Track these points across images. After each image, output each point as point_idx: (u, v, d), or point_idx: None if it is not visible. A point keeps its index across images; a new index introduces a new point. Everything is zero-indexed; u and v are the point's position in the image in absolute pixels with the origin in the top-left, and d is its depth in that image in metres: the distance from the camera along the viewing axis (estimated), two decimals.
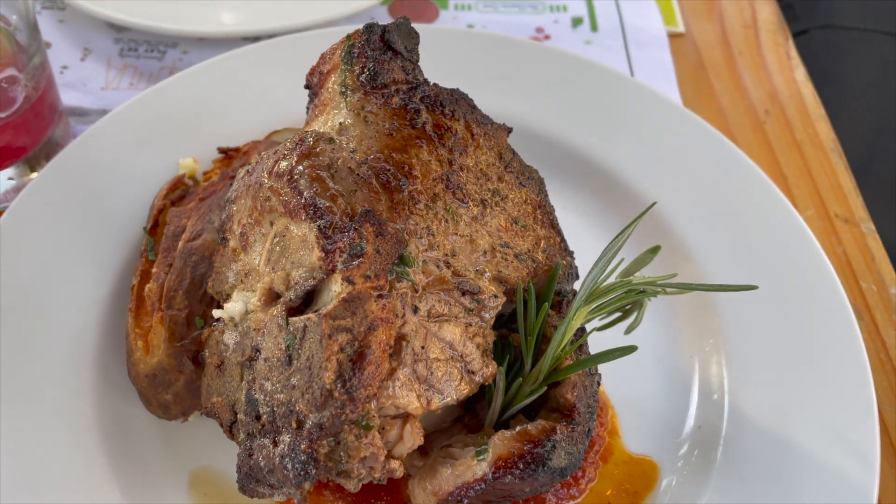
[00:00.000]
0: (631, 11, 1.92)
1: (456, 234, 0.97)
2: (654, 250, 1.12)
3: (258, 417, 0.91)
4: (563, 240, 1.09)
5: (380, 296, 0.87)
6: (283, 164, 0.93)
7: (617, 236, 0.99)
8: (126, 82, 1.66)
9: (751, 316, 1.25)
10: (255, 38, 1.71)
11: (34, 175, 1.43)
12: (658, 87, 1.76)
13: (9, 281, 1.18)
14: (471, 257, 0.97)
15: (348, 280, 0.86)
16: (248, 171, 1.04)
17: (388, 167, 0.95)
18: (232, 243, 1.03)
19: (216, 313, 1.00)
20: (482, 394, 1.02)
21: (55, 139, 1.47)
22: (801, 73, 1.86)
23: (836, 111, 1.84)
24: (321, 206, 0.89)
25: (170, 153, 1.39)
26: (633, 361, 1.11)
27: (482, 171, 1.03)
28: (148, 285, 1.13)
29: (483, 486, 0.90)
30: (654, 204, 1.05)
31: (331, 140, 0.95)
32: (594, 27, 1.88)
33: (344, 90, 1.00)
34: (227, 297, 1.04)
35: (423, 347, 0.90)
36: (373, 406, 0.86)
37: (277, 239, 0.94)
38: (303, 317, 0.87)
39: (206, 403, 1.02)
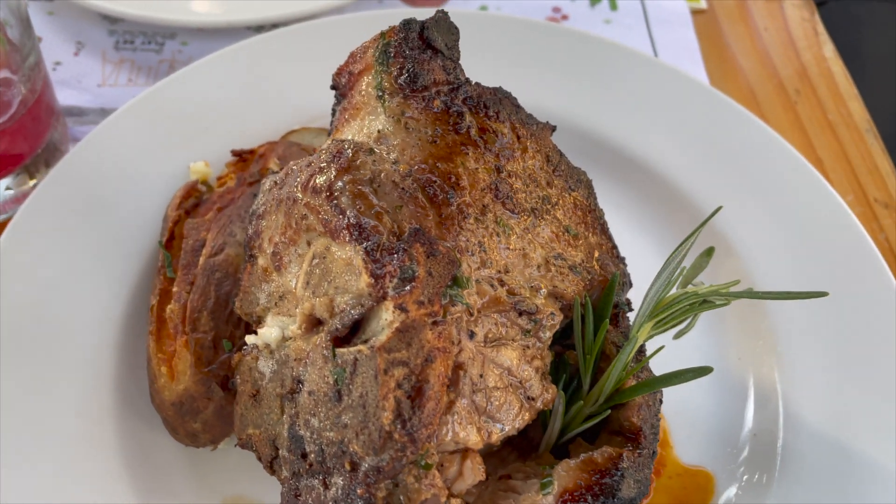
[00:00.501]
0: None
1: (508, 247, 0.90)
2: (709, 252, 1.05)
3: (304, 456, 0.84)
4: (614, 246, 1.02)
5: (434, 322, 0.79)
6: (321, 179, 0.85)
7: (680, 245, 0.92)
8: (124, 78, 1.57)
9: (803, 318, 1.19)
10: (259, 28, 1.62)
11: (33, 183, 1.34)
12: (683, 67, 1.68)
13: (16, 302, 1.10)
14: (525, 273, 0.90)
15: (401, 308, 0.78)
16: (275, 182, 0.96)
17: (433, 178, 0.87)
18: (262, 262, 0.96)
19: (250, 339, 0.93)
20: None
21: (53, 143, 1.37)
22: (829, 50, 1.79)
23: (865, 87, 1.77)
24: (366, 225, 0.81)
25: (179, 156, 1.30)
26: (679, 366, 1.07)
27: (531, 176, 0.96)
28: (169, 306, 1.05)
29: None
30: (719, 209, 0.97)
31: (371, 151, 0.87)
32: (613, 6, 1.79)
33: (381, 94, 0.91)
34: (259, 320, 0.97)
35: (481, 376, 0.83)
36: (432, 443, 0.79)
37: (317, 261, 0.87)
38: (352, 348, 0.80)
39: (240, 434, 0.95)
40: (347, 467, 0.79)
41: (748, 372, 1.19)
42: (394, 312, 0.79)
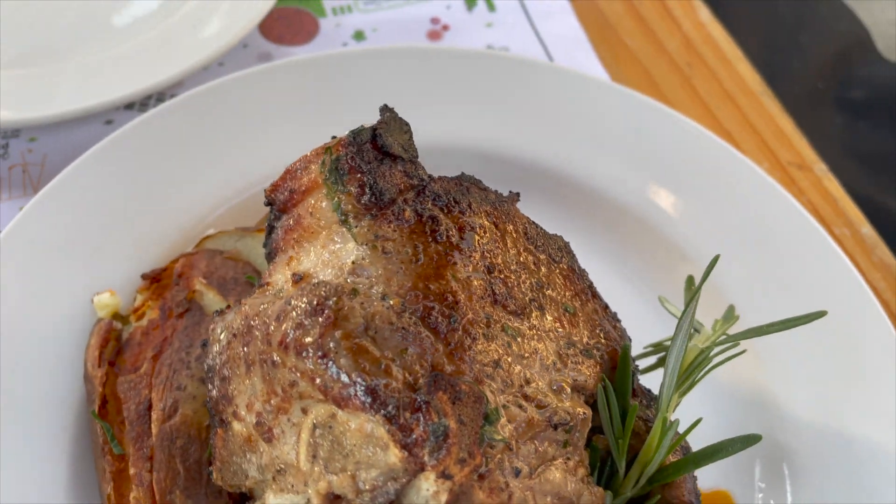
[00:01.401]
0: None
1: (522, 356, 0.81)
2: (691, 283, 1.02)
3: None
4: (606, 306, 0.96)
5: (480, 476, 0.70)
6: (307, 338, 0.73)
7: (687, 307, 0.87)
8: None
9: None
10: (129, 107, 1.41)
11: None
12: (578, 61, 1.63)
13: None
14: (545, 378, 0.82)
15: (444, 476, 0.68)
16: (233, 335, 0.82)
17: (430, 304, 0.76)
18: (239, 428, 0.82)
19: None
20: None
21: None
22: (705, 14, 1.79)
23: (747, 48, 1.79)
24: (378, 387, 0.70)
25: (75, 285, 1.10)
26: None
27: (519, 263, 0.87)
28: (132, 494, 0.89)
29: None
30: (717, 258, 0.91)
31: (354, 292, 0.75)
32: (491, 7, 1.70)
33: (343, 218, 0.79)
34: (251, 493, 0.84)
35: None
36: None
37: (321, 431, 0.75)
38: None
39: None
40: None
41: (745, 385, 1.18)
42: (436, 482, 0.69)
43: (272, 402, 0.77)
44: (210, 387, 0.85)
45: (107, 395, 0.98)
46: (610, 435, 0.86)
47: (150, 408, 0.94)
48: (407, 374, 0.72)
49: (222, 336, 0.84)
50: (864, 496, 1.06)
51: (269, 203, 0.88)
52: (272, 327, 0.77)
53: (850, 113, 1.81)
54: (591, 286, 0.95)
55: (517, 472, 0.75)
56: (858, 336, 1.15)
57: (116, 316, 1.09)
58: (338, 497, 0.75)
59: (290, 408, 0.76)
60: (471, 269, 0.81)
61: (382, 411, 0.70)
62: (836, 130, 1.77)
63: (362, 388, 0.70)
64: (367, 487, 0.72)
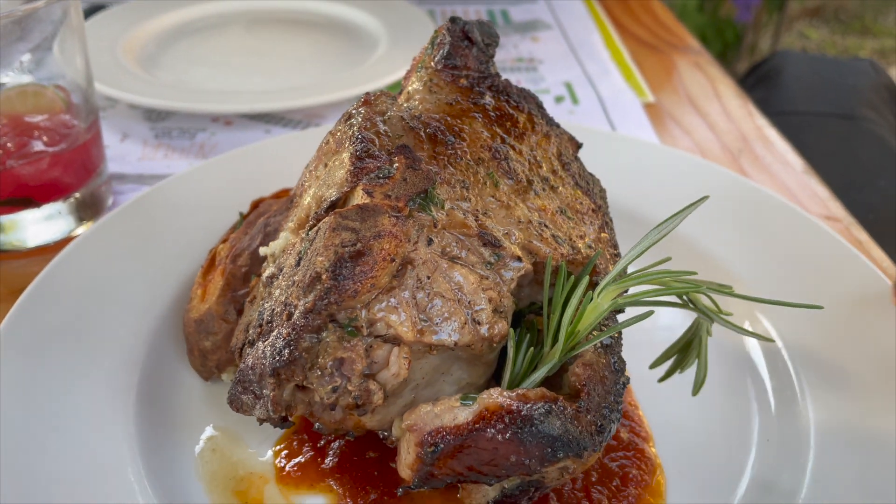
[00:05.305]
0: (605, 86, 2.11)
1: (493, 197, 0.97)
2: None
3: (261, 325, 0.92)
4: (616, 248, 1.04)
5: (395, 216, 0.88)
6: (350, 110, 1.02)
7: (671, 217, 0.93)
8: (161, 155, 1.80)
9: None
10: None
11: (82, 229, 1.51)
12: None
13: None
14: (503, 220, 0.96)
15: (367, 192, 0.89)
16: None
17: (439, 125, 1.00)
18: (295, 199, 1.11)
19: (262, 250, 1.06)
20: None
21: (99, 189, 1.55)
22: (762, 120, 1.95)
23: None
24: (364, 136, 0.95)
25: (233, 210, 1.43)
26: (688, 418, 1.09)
27: (535, 158, 1.05)
28: (221, 245, 1.22)
29: (462, 437, 0.83)
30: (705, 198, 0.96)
31: (393, 98, 1.03)
32: (575, 101, 2.04)
33: (420, 69, 1.09)
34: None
35: (428, 277, 0.88)
36: (362, 315, 0.84)
37: (325, 176, 1.00)
38: (320, 222, 0.90)
39: (232, 343, 1.04)
40: (285, 318, 0.86)
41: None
42: (362, 197, 0.89)
43: (314, 163, 1.05)
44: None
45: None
46: (545, 307, 0.94)
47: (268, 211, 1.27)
48: (390, 147, 0.96)
49: None
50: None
51: None
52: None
53: None
54: (608, 224, 1.06)
55: (430, 242, 0.90)
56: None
57: None
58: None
59: (320, 164, 1.04)
60: (487, 130, 1.02)
61: (357, 152, 0.94)
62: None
63: (358, 138, 0.96)
64: (324, 205, 0.94)
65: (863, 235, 1.53)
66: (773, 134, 1.88)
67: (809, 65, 2.95)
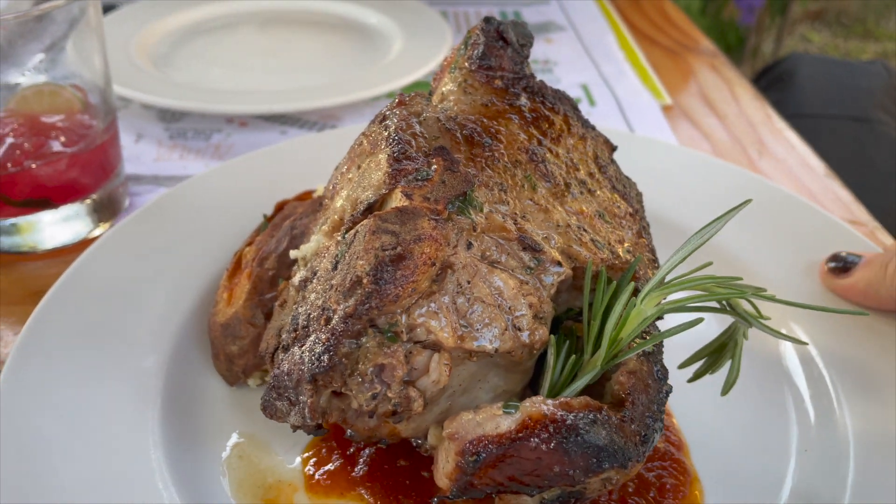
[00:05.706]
0: (622, 88, 2.09)
1: (531, 200, 0.95)
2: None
3: (296, 330, 0.90)
4: (652, 249, 1.03)
5: (435, 220, 0.86)
6: (385, 111, 1.00)
7: (715, 220, 0.91)
8: (177, 156, 1.78)
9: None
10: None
11: (99, 231, 1.49)
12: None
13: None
14: (542, 224, 0.94)
15: (406, 195, 0.87)
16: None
17: (475, 127, 0.98)
18: (326, 202, 1.09)
19: (293, 254, 1.04)
20: None
21: (116, 191, 1.52)
22: (780, 123, 1.93)
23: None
24: (401, 138, 0.93)
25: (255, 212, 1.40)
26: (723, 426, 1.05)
27: (572, 161, 1.03)
28: (247, 248, 1.20)
29: (504, 446, 0.81)
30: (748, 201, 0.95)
31: (427, 98, 1.01)
32: (591, 103, 2.02)
33: (453, 69, 1.07)
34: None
35: (468, 282, 0.86)
36: (402, 321, 0.82)
37: (359, 178, 0.98)
38: (357, 225, 0.88)
39: (262, 348, 1.02)
40: (323, 322, 0.84)
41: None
42: (400, 199, 0.87)
43: (346, 165, 1.03)
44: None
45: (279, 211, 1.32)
46: (584, 313, 0.92)
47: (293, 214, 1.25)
48: (427, 148, 0.94)
49: None
50: None
51: None
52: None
53: None
54: (646, 229, 1.04)
55: (469, 246, 0.88)
56: None
57: None
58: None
59: (352, 166, 1.02)
60: (523, 132, 1.00)
61: (394, 153, 0.92)
62: None
63: (394, 139, 0.93)
64: (360, 208, 0.92)
65: (888, 239, 1.51)
66: (792, 136, 1.87)
67: (822, 67, 2.94)
